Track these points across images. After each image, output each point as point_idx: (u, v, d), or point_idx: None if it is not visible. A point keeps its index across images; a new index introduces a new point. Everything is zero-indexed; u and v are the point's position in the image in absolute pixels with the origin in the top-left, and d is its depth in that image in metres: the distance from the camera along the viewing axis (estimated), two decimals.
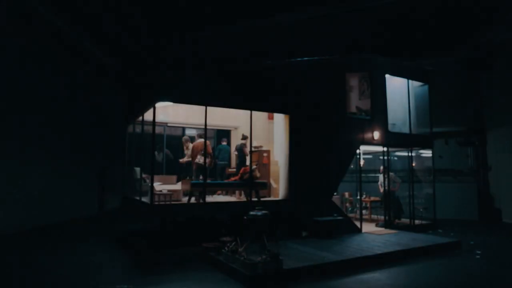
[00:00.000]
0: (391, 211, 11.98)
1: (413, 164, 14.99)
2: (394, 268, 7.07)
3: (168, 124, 11.75)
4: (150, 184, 7.63)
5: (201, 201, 8.16)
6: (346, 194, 13.72)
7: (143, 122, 9.42)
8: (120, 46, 15.04)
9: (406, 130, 12.24)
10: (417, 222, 12.22)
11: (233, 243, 6.93)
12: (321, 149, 9.78)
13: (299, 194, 9.33)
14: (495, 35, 14.11)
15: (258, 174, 8.86)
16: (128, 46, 14.91)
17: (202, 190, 8.16)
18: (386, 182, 11.79)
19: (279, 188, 9.53)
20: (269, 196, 10.02)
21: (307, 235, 9.46)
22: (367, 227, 11.10)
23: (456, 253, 8.53)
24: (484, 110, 15.40)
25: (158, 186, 8.67)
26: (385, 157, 11.34)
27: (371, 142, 10.73)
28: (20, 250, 8.45)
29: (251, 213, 7.67)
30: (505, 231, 12.32)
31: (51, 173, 12.71)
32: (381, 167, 12.19)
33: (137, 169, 10.39)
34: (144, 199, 8.73)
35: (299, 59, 9.68)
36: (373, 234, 9.96)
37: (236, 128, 12.75)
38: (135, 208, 9.69)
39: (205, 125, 8.31)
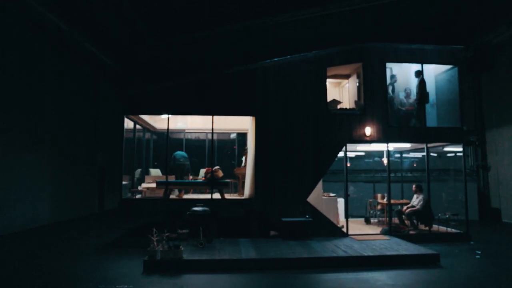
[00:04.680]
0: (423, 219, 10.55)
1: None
2: (307, 275, 6.74)
3: (186, 130, 13.33)
4: (120, 181, 9.24)
5: (166, 197, 9.34)
6: (379, 196, 12.56)
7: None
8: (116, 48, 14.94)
9: (432, 123, 10.65)
10: (443, 229, 10.41)
11: (166, 234, 7.86)
12: (294, 148, 9.61)
13: (268, 194, 9.43)
14: (495, 35, 13.96)
15: (220, 174, 9.45)
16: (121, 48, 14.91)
17: (165, 187, 9.33)
18: (417, 202, 10.65)
19: (245, 187, 9.84)
20: None
21: (275, 235, 9.49)
22: (366, 231, 10.17)
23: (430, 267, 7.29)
24: (484, 110, 15.23)
25: (143, 184, 10.26)
26: (386, 155, 10.15)
27: (362, 139, 9.84)
28: (18, 250, 8.87)
29: (193, 209, 8.49)
30: None
31: (51, 173, 12.85)
32: (414, 186, 10.95)
33: (151, 170, 12.26)
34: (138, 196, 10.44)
35: (268, 60, 9.80)
36: (356, 239, 9.18)
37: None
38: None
39: (167, 131, 9.47)
